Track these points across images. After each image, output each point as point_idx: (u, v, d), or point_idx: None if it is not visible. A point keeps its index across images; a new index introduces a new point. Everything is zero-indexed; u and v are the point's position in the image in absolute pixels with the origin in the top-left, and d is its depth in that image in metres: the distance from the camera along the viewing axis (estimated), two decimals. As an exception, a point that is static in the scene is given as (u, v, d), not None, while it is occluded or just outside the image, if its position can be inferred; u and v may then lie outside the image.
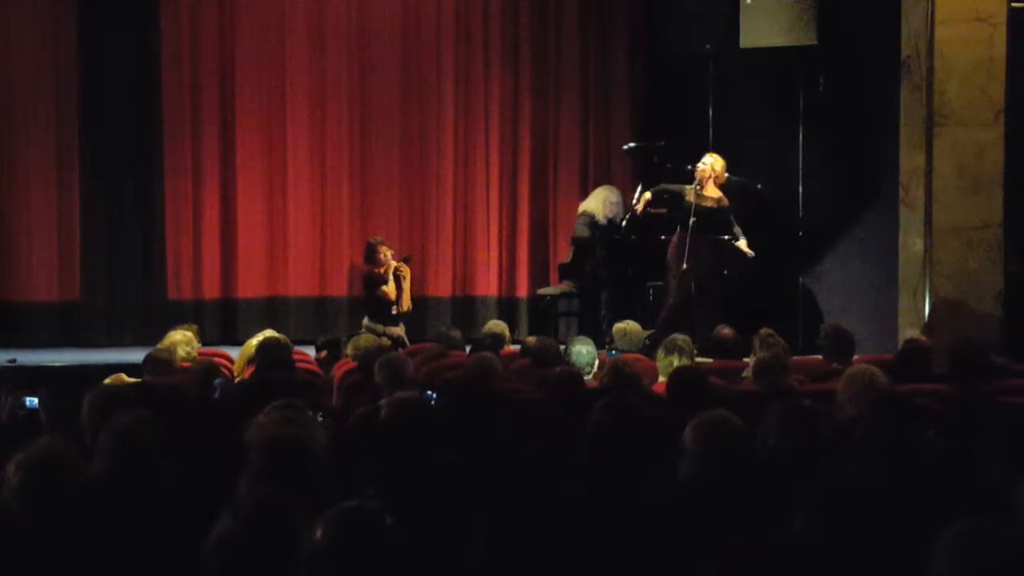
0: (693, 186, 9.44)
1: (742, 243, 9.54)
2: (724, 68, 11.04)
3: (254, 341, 7.59)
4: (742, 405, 4.59)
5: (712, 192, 9.48)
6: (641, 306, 10.37)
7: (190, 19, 11.68)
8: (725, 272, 9.79)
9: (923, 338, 7.62)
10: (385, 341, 8.44)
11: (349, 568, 2.45)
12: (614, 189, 11.47)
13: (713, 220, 9.44)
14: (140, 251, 11.65)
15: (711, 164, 9.48)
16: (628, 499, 3.07)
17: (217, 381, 6.07)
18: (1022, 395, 5.76)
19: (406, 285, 10.56)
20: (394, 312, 10.51)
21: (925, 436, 3.98)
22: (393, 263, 10.55)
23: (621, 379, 5.53)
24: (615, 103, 12.36)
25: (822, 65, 10.40)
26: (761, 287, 10.24)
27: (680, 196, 9.57)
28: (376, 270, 10.60)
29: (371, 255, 10.70)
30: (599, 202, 11.21)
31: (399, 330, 10.31)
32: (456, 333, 8.14)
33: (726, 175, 9.54)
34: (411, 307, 10.67)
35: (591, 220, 11.12)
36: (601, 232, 11.05)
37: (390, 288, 10.49)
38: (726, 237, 9.61)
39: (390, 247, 10.72)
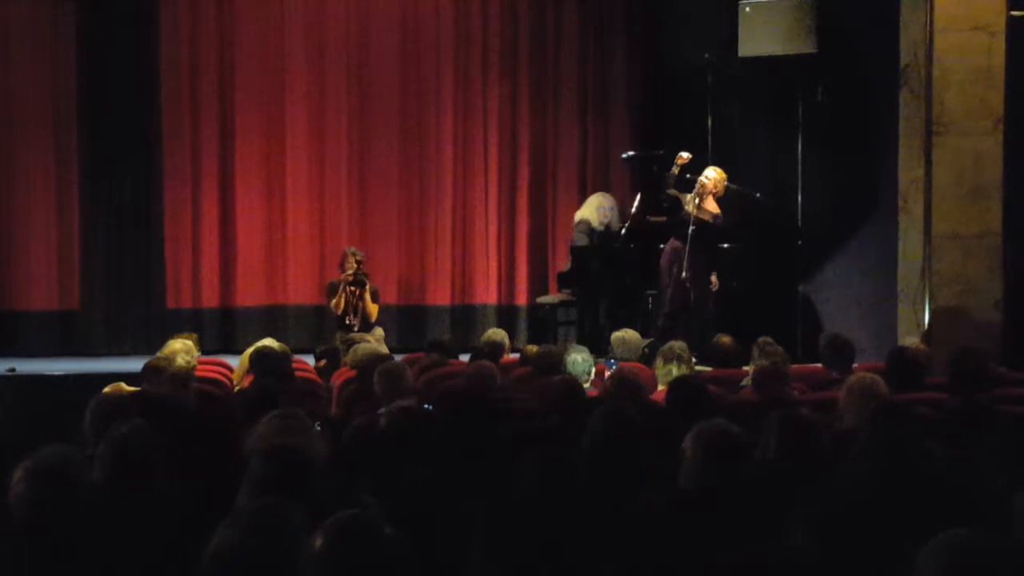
0: (692, 197, 9.48)
1: (712, 277, 9.63)
2: (723, 77, 11.04)
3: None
4: (741, 414, 4.59)
5: (711, 207, 9.53)
6: (640, 314, 10.38)
7: (189, 25, 11.70)
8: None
9: (920, 346, 7.61)
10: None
11: (348, 578, 2.44)
12: (607, 195, 11.49)
13: (710, 233, 9.51)
14: (139, 260, 11.66)
15: (714, 179, 9.52)
16: (627, 508, 3.06)
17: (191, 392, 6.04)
18: (1022, 404, 5.75)
19: (361, 301, 10.45)
20: (347, 323, 10.43)
21: (925, 446, 3.97)
22: (349, 276, 10.50)
23: (624, 388, 5.53)
24: (614, 112, 12.35)
25: (821, 74, 10.41)
26: (760, 296, 10.24)
27: (680, 204, 9.62)
28: (336, 279, 10.62)
29: (341, 264, 10.76)
30: (593, 209, 11.24)
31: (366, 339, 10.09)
32: (451, 341, 8.15)
33: (724, 186, 9.61)
34: (367, 320, 10.46)
35: (588, 228, 11.13)
36: (599, 240, 11.06)
37: (336, 301, 10.47)
38: (725, 246, 9.69)
39: (355, 260, 10.54)
